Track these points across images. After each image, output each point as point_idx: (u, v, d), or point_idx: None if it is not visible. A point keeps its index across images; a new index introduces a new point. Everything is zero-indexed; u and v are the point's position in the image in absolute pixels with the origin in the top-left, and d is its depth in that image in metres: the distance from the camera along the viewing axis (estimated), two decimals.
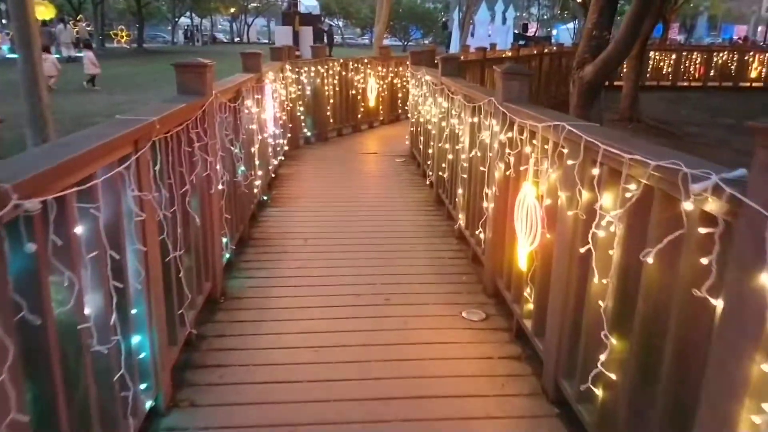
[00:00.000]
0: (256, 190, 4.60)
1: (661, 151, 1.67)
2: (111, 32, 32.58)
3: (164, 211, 2.22)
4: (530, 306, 2.67)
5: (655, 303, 1.65)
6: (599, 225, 1.88)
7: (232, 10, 55.78)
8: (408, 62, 8.05)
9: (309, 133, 7.82)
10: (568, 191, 2.14)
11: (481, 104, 3.41)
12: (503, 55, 11.19)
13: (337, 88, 8.24)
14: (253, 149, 4.47)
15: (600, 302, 1.88)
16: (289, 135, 6.92)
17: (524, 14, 52.47)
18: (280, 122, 6.10)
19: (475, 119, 3.62)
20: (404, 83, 10.05)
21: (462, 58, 12.23)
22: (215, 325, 2.89)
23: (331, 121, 8.23)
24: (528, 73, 2.99)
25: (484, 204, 3.32)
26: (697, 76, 18.92)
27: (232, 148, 3.51)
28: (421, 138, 6.09)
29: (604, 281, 1.86)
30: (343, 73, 8.30)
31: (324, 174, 6.22)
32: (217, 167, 3.13)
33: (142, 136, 1.97)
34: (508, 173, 2.90)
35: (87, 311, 1.59)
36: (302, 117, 7.61)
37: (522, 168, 2.69)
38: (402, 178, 6.08)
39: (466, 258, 3.84)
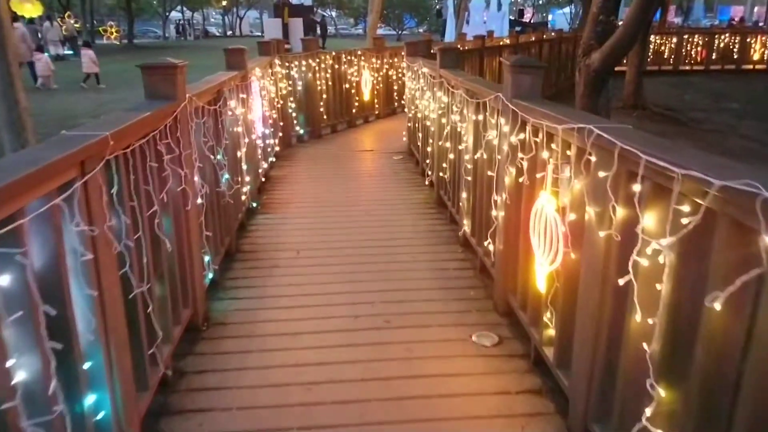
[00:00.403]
0: (244, 197, 4.28)
1: (724, 165, 1.35)
2: (100, 28, 31.96)
3: (126, 240, 1.90)
4: (551, 332, 2.36)
5: (718, 354, 1.34)
6: (642, 252, 1.56)
7: (224, 2, 55.05)
8: (403, 53, 7.69)
9: (302, 131, 7.47)
10: (598, 207, 1.82)
11: (486, 101, 3.08)
12: (501, 43, 10.82)
13: (330, 83, 7.89)
14: (239, 153, 4.14)
15: (644, 345, 1.57)
16: (280, 134, 6.58)
17: (520, 0, 51.88)
18: (270, 121, 5.76)
19: (480, 117, 3.29)
20: (400, 75, 9.69)
21: (459, 47, 11.88)
22: (196, 358, 2.58)
23: (325, 117, 7.89)
24: (541, 65, 2.65)
25: (493, 212, 2.99)
26: (699, 59, 18.53)
27: (211, 156, 3.17)
28: (420, 134, 5.75)
29: (650, 321, 1.54)
30: (336, 66, 7.94)
31: (317, 175, 5.88)
32: (195, 179, 2.81)
33: (90, 156, 1.64)
34: (521, 180, 2.58)
35: (14, 382, 1.28)
36: (294, 114, 7.26)
37: (538, 175, 2.37)
38: (400, 178, 5.75)
39: (473, 269, 3.53)
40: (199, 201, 2.85)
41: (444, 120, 4.43)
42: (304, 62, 7.28)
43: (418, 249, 3.88)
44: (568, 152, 2.08)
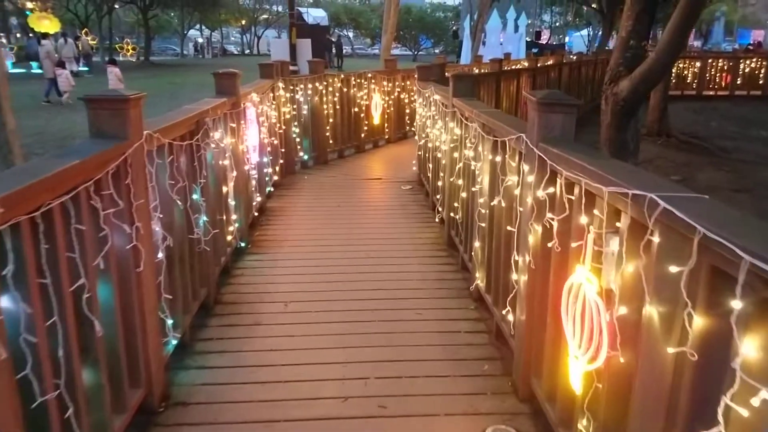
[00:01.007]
0: (230, 237, 3.82)
1: None
2: (117, 45, 32.19)
3: (26, 334, 1.43)
4: None
5: None
6: (741, 396, 1.05)
7: (243, 22, 55.58)
8: (415, 79, 7.26)
9: (306, 157, 7.04)
10: (664, 308, 1.31)
11: (506, 140, 2.60)
12: (519, 67, 10.38)
13: (338, 106, 7.48)
14: (225, 189, 3.69)
15: None
16: (281, 161, 6.15)
17: (536, 21, 51.66)
18: (268, 149, 5.32)
19: (498, 158, 2.80)
20: (412, 98, 9.26)
21: (474, 70, 11.46)
22: None
23: (331, 142, 7.46)
24: (575, 102, 2.17)
25: (513, 276, 2.49)
26: (723, 84, 17.94)
27: (180, 202, 2.72)
28: (430, 165, 5.28)
29: None
30: (344, 89, 7.53)
31: (318, 207, 5.42)
32: (156, 230, 2.35)
33: None
34: (549, 245, 2.08)
35: None
36: (298, 140, 6.84)
37: (573, 244, 1.87)
38: (409, 212, 5.26)
39: (487, 332, 3.01)
40: (159, 256, 2.39)
41: (456, 154, 3.95)
42: (310, 85, 6.88)
43: (424, 302, 3.38)
44: (617, 223, 1.58)
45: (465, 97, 3.91)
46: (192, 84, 18.17)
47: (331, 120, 7.37)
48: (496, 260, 2.91)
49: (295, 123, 6.74)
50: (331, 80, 7.26)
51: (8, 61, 26.84)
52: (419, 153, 6.10)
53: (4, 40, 31.77)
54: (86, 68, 22.44)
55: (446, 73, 7.33)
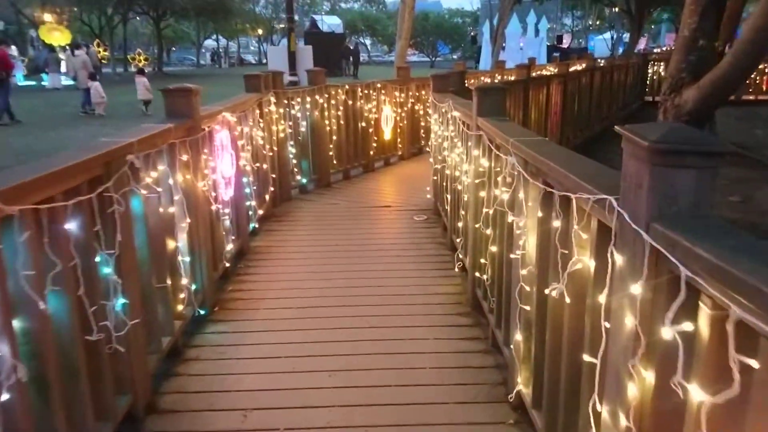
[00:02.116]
0: (181, 307, 2.88)
1: None
2: (129, 56, 31.81)
3: None
4: None
5: None
6: None
7: (260, 31, 55.25)
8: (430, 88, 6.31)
9: (305, 181, 6.11)
10: None
11: (573, 199, 1.61)
12: (547, 72, 9.36)
13: (342, 121, 6.54)
14: (173, 244, 2.76)
15: None
16: (271, 189, 5.21)
17: (557, 25, 50.35)
18: (249, 178, 4.39)
19: (556, 222, 1.82)
20: (428, 109, 8.30)
21: (497, 77, 10.45)
22: None
23: (335, 162, 6.52)
24: (721, 149, 1.17)
25: (598, 405, 1.49)
26: (764, 88, 16.65)
27: (52, 291, 1.77)
28: (448, 196, 4.30)
29: None
30: (350, 102, 6.60)
31: (312, 246, 4.47)
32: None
33: None
34: (674, 380, 1.08)
35: None
36: (295, 161, 5.91)
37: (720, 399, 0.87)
38: (422, 253, 4.28)
39: None
40: (22, 376, 1.45)
41: (483, 193, 2.97)
42: (309, 98, 5.96)
43: (441, 410, 2.39)
44: None
45: (494, 117, 2.93)
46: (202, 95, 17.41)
47: (334, 137, 6.44)
48: (554, 366, 1.92)
49: (291, 142, 5.82)
50: (333, 92, 6.33)
51: (19, 74, 26.57)
52: (434, 178, 5.11)
53: (15, 53, 31.64)
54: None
55: (466, 82, 6.35)
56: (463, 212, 3.58)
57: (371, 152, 7.12)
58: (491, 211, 2.77)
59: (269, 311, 3.34)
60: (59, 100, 16.66)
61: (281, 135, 5.54)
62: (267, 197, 5.08)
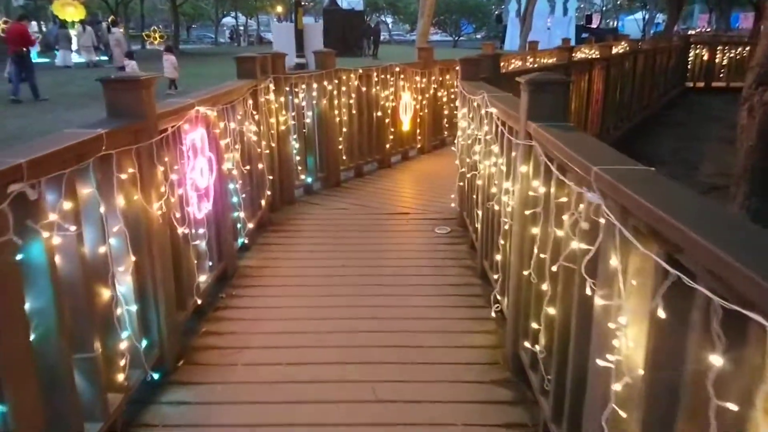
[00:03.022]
0: (122, 377, 2.14)
1: None
2: (144, 33, 31.08)
3: None
4: None
5: None
6: None
7: (279, 9, 54.04)
8: (457, 73, 5.46)
9: (310, 180, 5.32)
10: None
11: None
12: (584, 55, 8.39)
13: (355, 111, 5.73)
14: (109, 294, 2.02)
15: None
16: (268, 193, 4.44)
17: (585, 4, 48.30)
18: (237, 184, 3.61)
19: (692, 330, 1.01)
20: (452, 96, 7.44)
21: (529, 60, 9.48)
22: None
23: (345, 157, 5.72)
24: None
25: None
26: None
27: None
28: (478, 213, 3.48)
29: None
30: (364, 88, 5.77)
31: (311, 269, 3.69)
32: None
33: None
34: None
35: None
36: (299, 158, 5.13)
37: None
38: (446, 282, 3.48)
39: None
40: None
41: (536, 230, 2.15)
42: (315, 84, 5.14)
43: None
44: None
45: (553, 123, 2.10)
46: (214, 76, 16.69)
47: (345, 129, 5.63)
48: None
49: (294, 136, 5.03)
50: (345, 77, 5.51)
51: (33, 51, 26.07)
52: (460, 183, 4.28)
53: (35, 28, 31.13)
54: (105, 57, 21.25)
55: (502, 67, 5.47)
56: (502, 242, 2.77)
57: (387, 146, 6.31)
58: (550, 259, 1.96)
59: (248, 370, 2.59)
60: (66, 78, 16.04)
61: (282, 128, 4.75)
62: (263, 202, 4.32)
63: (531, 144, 2.20)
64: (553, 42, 29.12)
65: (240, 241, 3.72)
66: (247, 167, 3.81)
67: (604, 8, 50.86)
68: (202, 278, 2.95)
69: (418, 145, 6.97)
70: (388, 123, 6.24)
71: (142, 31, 33.32)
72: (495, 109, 2.95)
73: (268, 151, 4.40)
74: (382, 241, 4.19)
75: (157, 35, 27.66)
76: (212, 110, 3.11)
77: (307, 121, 5.19)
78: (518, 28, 39.30)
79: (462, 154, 4.13)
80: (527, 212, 2.20)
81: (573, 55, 6.60)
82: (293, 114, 4.96)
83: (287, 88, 4.76)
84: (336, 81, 5.37)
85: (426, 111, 6.90)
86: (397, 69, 6.18)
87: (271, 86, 4.54)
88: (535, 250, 2.15)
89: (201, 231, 2.97)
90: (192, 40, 48.72)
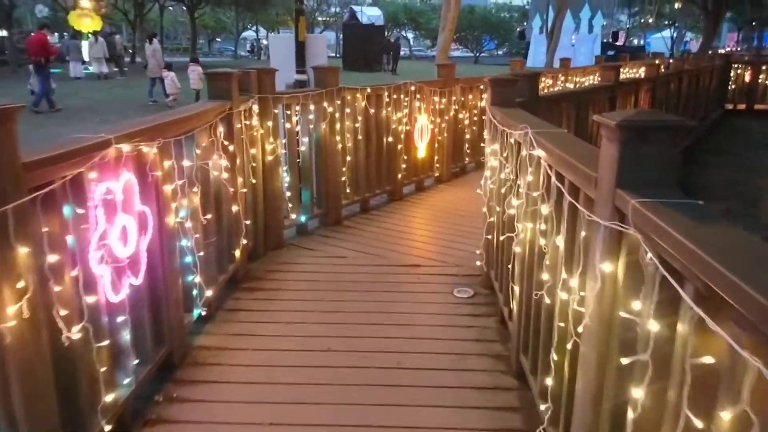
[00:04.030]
0: None
1: None
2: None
3: None
4: None
5: None
6: None
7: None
8: (484, 97, 4.58)
9: (303, 218, 4.44)
10: None
11: None
12: (634, 75, 7.45)
13: (361, 136, 4.86)
14: None
15: None
16: (244, 241, 3.54)
17: (611, 21, 47.18)
18: (192, 240, 2.72)
19: None
20: (475, 119, 6.56)
21: (561, 79, 8.55)
22: None
23: (349, 190, 4.85)
24: None
25: None
26: None
27: None
28: (514, 288, 2.55)
29: None
30: (372, 110, 4.90)
31: (288, 352, 2.78)
32: None
33: None
34: None
35: None
36: (289, 193, 4.25)
37: None
38: (468, 384, 2.53)
39: None
40: None
41: (639, 391, 1.22)
42: (313, 106, 4.29)
43: None
44: None
45: (667, 200, 1.18)
46: None
47: (349, 158, 4.76)
48: None
49: (285, 168, 4.16)
50: (350, 97, 4.65)
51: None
52: (488, 237, 3.35)
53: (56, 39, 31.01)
54: (116, 69, 20.81)
55: (540, 86, 4.55)
56: (556, 357, 1.84)
57: (399, 175, 5.42)
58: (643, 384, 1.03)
59: None
60: (72, 90, 15.48)
61: (269, 159, 3.89)
62: (237, 253, 3.44)
63: (624, 230, 1.28)
64: (577, 60, 28.09)
65: (196, 312, 2.84)
66: (208, 216, 2.93)
67: (630, 26, 49.74)
68: (109, 398, 2.03)
69: (436, 174, 6.07)
70: (401, 149, 5.36)
71: (162, 44, 33.04)
72: (544, 152, 2.04)
73: (246, 190, 3.53)
74: (384, 309, 3.26)
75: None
76: (150, 146, 2.25)
77: (303, 149, 4.33)
78: (542, 44, 38.28)
79: (491, 200, 3.20)
80: (624, 359, 1.27)
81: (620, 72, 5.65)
82: (285, 141, 4.10)
83: (276, 111, 3.90)
84: (338, 102, 4.50)
85: (445, 135, 6.02)
86: (413, 88, 5.30)
87: (255, 108, 3.68)
88: (632, 414, 1.22)
89: (120, 319, 2.09)
90: (212, 53, 48.64)
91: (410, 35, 53.01)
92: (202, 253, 2.82)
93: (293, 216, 4.29)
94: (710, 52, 16.93)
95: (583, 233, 1.56)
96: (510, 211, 2.62)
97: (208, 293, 2.89)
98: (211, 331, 2.94)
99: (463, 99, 6.24)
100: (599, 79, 5.49)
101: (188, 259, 2.69)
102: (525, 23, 47.05)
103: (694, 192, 6.35)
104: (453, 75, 5.98)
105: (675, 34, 41.01)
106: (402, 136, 5.33)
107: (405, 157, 5.45)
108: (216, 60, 39.56)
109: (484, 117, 6.74)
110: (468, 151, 6.56)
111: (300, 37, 5.13)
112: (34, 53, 12.60)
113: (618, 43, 39.46)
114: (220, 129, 3.12)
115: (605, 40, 36.66)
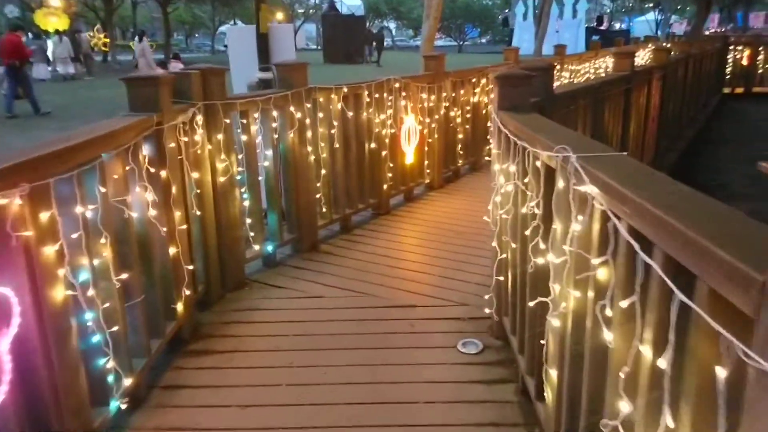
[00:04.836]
0: None
1: None
2: (131, 43, 29.53)
3: None
4: None
5: None
6: None
7: (280, 15, 52.56)
8: (491, 97, 3.84)
9: (270, 248, 3.68)
10: None
11: None
12: (643, 63, 6.76)
13: (338, 144, 4.11)
14: None
15: None
16: (187, 292, 2.78)
17: (594, 5, 46.49)
18: (104, 306, 1.96)
19: None
20: (468, 115, 5.84)
21: (557, 68, 7.81)
22: None
23: (325, 209, 4.11)
24: None
25: None
26: None
27: None
28: (552, 374, 1.83)
29: None
30: (350, 113, 4.15)
31: None
32: None
33: None
34: None
35: None
36: (249, 220, 3.48)
37: None
38: None
39: None
40: None
41: None
42: (276, 112, 3.52)
43: None
44: None
45: None
46: None
47: (324, 171, 4.01)
48: None
49: (244, 189, 3.40)
50: (323, 99, 3.89)
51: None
52: (499, 278, 2.61)
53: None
54: (83, 69, 19.75)
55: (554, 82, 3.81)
56: None
57: (385, 186, 4.68)
58: None
59: None
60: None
61: (221, 180, 3.13)
62: (179, 307, 2.68)
63: None
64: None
65: (113, 404, 2.08)
66: (124, 275, 2.16)
67: (613, 10, 49.17)
68: None
69: (426, 180, 5.35)
70: (386, 156, 4.62)
71: (134, 41, 31.76)
72: (595, 189, 1.31)
73: (186, 226, 2.76)
74: (370, 377, 2.52)
75: (100, 39, 25.48)
76: (10, 197, 1.49)
77: (266, 164, 3.57)
78: (526, 31, 37.62)
79: (503, 233, 2.47)
80: None
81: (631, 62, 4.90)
82: (242, 157, 3.33)
83: (228, 121, 3.13)
84: (309, 105, 3.75)
85: (436, 137, 5.29)
86: (397, 85, 4.55)
87: (199, 119, 2.92)
88: None
89: None
90: (190, 49, 47.25)
91: (392, 25, 52.02)
92: (117, 328, 2.06)
93: (256, 247, 3.52)
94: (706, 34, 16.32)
95: (671, 337, 0.84)
96: (538, 261, 1.89)
97: (127, 383, 2.13)
98: (138, 425, 2.19)
99: (454, 95, 5.50)
100: (603, 67, 4.79)
101: (96, 339, 1.94)
102: (507, 10, 46.28)
103: (712, 191, 5.69)
104: (443, 68, 5.24)
105: (660, 17, 40.48)
106: (387, 140, 4.59)
107: (391, 165, 4.71)
108: (194, 56, 38.33)
109: (484, 113, 6.08)
110: (461, 152, 5.84)
111: (261, 29, 4.34)
112: (7, 55, 11.74)
113: (602, 28, 38.87)
114: (145, 151, 2.36)
115: (589, 25, 36.02)
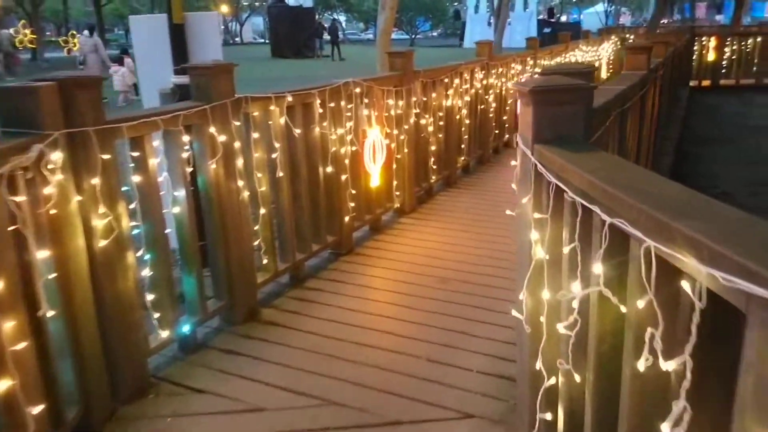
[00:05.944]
0: None
1: None
2: (61, 39, 27.20)
3: None
4: None
5: None
6: None
7: (225, 8, 50.19)
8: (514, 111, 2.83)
9: (188, 326, 2.61)
10: None
11: None
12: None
13: (281, 173, 3.06)
14: None
15: None
16: (45, 409, 1.70)
17: None
18: None
19: None
20: (441, 123, 4.89)
21: (528, 65, 6.96)
22: None
23: (266, 260, 3.06)
24: None
25: None
26: None
27: None
28: None
29: None
30: (297, 130, 3.10)
31: None
32: None
33: None
34: None
35: None
36: (153, 296, 2.40)
37: None
38: None
39: None
40: None
41: None
42: (188, 137, 2.45)
43: None
44: None
45: None
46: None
47: (263, 210, 2.96)
48: None
49: (141, 251, 2.31)
50: (258, 111, 2.84)
51: None
52: (544, 416, 1.65)
53: None
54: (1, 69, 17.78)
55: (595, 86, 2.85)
56: None
57: (346, 218, 3.67)
58: None
59: None
60: None
61: (102, 244, 2.04)
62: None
63: None
64: (513, 39, 26.82)
65: None
66: None
67: (563, 2, 49.39)
68: None
69: (396, 204, 4.37)
70: (346, 180, 3.60)
71: (59, 36, 29.24)
72: None
73: (24, 344, 1.67)
74: None
75: (75, 41, 23.80)
76: None
77: (176, 210, 2.49)
78: (478, 24, 37.09)
79: (552, 352, 1.49)
80: None
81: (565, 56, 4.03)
82: (135, 205, 2.25)
83: (108, 156, 2.04)
84: (238, 123, 2.68)
85: (405, 151, 4.31)
86: (358, 90, 3.53)
87: (56, 158, 1.83)
88: None
89: None
90: (130, 44, 44.52)
91: (342, 18, 50.66)
92: None
93: (163, 333, 2.44)
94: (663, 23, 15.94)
95: None
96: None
97: None
98: None
99: (425, 99, 4.54)
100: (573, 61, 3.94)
101: None
102: (458, 3, 45.74)
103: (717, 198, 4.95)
104: (411, 67, 4.25)
105: (611, 9, 40.76)
106: (346, 161, 3.58)
107: (353, 191, 3.70)
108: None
109: (458, 118, 5.02)
110: (434, 166, 4.89)
111: (175, 18, 3.23)
112: None
113: (553, 20, 38.76)
114: None
115: (540, 17, 35.75)
